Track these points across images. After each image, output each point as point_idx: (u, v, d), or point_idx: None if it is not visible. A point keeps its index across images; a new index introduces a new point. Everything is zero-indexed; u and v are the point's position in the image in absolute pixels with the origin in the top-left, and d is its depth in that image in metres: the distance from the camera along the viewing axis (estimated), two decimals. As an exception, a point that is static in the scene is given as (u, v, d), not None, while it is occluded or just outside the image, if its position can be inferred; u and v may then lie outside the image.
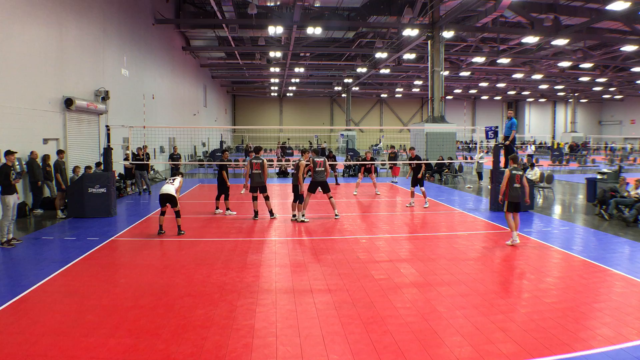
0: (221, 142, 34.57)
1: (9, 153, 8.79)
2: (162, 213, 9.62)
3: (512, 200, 8.66)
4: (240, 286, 6.33)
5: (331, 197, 11.36)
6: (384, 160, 27.56)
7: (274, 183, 19.61)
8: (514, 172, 8.69)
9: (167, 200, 9.41)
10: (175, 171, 10.63)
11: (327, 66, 38.04)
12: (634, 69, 33.50)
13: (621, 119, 59.36)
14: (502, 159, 13.37)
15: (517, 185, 8.64)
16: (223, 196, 11.86)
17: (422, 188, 13.11)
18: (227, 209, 11.95)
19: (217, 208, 12.18)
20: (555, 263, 7.64)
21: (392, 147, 22.97)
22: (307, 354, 4.42)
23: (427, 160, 21.21)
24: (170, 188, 9.44)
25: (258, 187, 11.01)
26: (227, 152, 12.98)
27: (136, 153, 16.46)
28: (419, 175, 12.91)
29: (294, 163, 11.20)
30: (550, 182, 15.27)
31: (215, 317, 5.24)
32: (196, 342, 4.64)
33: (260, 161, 10.88)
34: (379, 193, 15.89)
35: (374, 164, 16.39)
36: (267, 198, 11.23)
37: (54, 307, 5.58)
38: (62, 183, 11.90)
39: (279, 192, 16.79)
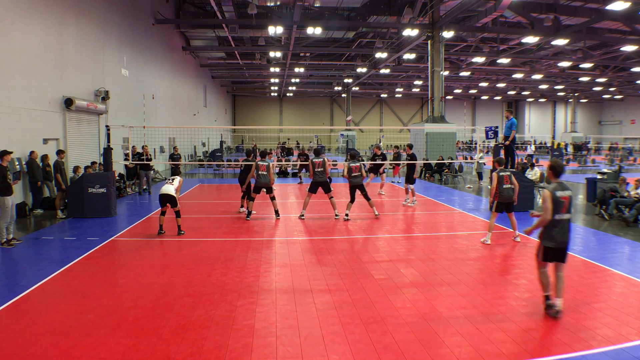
0: (221, 142, 34.53)
1: (4, 153, 8.69)
2: (163, 213, 9.61)
3: (503, 201, 8.69)
4: (240, 286, 6.33)
5: (332, 197, 11.37)
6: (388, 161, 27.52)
7: (275, 183, 19.58)
8: (501, 173, 8.71)
9: (167, 200, 9.37)
10: (174, 170, 10.53)
11: (327, 66, 38.02)
12: (634, 69, 33.48)
13: (621, 119, 59.33)
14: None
15: (506, 185, 8.65)
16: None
17: (412, 186, 13.26)
18: (242, 206, 12.31)
19: (242, 206, 12.45)
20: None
21: (396, 147, 22.97)
22: (307, 354, 4.42)
23: (427, 160, 21.22)
24: (170, 188, 9.37)
25: (264, 187, 11.13)
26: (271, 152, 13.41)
27: (141, 152, 16.45)
28: (415, 175, 13.22)
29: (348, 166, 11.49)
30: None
31: (215, 317, 5.24)
32: (196, 342, 4.64)
33: (267, 163, 11.10)
34: (382, 193, 15.89)
35: (384, 163, 16.38)
36: (273, 198, 11.36)
37: (54, 307, 5.58)
38: (61, 183, 11.90)
39: (279, 192, 16.78)
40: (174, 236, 9.39)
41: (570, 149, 40.42)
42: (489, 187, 13.38)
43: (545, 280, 5.35)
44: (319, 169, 11.20)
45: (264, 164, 11.09)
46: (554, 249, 5.23)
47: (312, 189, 11.25)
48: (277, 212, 11.41)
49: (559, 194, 5.19)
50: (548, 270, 5.37)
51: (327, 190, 11.26)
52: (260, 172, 11.03)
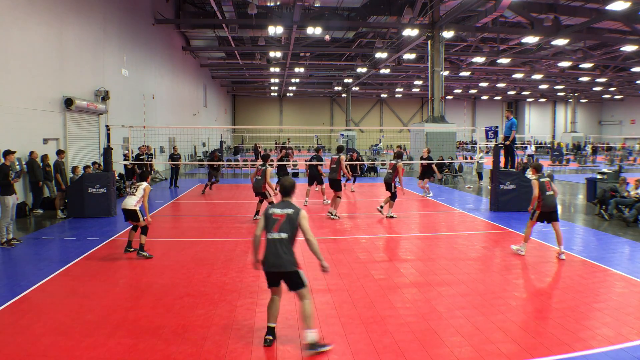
0: (221, 142, 34.57)
1: (8, 153, 8.80)
2: (134, 228, 8.11)
3: (546, 210, 7.79)
4: (240, 286, 6.32)
5: (339, 197, 11.47)
6: (384, 160, 27.55)
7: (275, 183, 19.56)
8: (542, 180, 7.91)
9: (129, 216, 7.82)
10: (141, 175, 8.36)
11: (327, 66, 38.03)
12: (634, 69, 33.48)
13: (621, 119, 59.32)
14: (502, 159, 13.38)
15: (549, 193, 7.86)
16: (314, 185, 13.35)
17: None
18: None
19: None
20: (555, 263, 7.64)
21: (399, 146, 23.07)
22: (307, 353, 4.41)
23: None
24: (130, 201, 7.75)
25: (255, 191, 10.71)
26: (321, 150, 14.28)
27: (140, 152, 16.48)
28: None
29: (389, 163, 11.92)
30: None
31: (215, 317, 5.23)
32: (196, 342, 4.64)
33: (264, 168, 10.60)
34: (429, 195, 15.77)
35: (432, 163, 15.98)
36: (260, 201, 10.97)
37: (54, 307, 5.58)
38: (62, 183, 11.90)
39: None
40: (173, 236, 9.38)
41: (589, 149, 40.17)
42: (489, 187, 13.41)
43: (273, 311, 4.60)
44: (332, 166, 11.44)
45: (261, 168, 10.67)
46: (268, 273, 4.50)
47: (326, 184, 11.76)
48: (257, 212, 11.08)
49: (272, 210, 4.56)
50: (275, 299, 4.63)
51: (336, 189, 11.37)
52: (256, 177, 10.65)
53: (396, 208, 12.54)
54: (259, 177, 10.57)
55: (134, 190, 7.91)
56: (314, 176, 13.28)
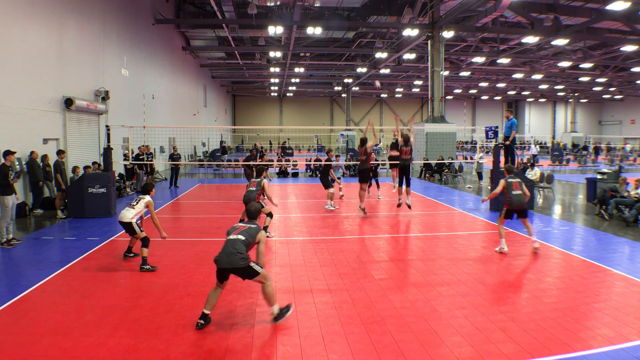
0: (221, 142, 34.57)
1: (8, 153, 8.82)
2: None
3: (512, 208, 8.18)
4: (240, 286, 6.31)
5: (363, 189, 11.70)
6: (384, 161, 27.53)
7: (275, 183, 19.57)
8: (509, 180, 8.26)
9: (125, 228, 7.36)
10: (145, 187, 7.84)
11: (327, 66, 38.02)
12: (634, 69, 33.47)
13: (621, 119, 59.32)
14: (502, 159, 13.39)
15: (516, 192, 8.15)
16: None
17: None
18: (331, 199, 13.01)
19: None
20: (555, 263, 7.64)
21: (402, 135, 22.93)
22: (307, 354, 4.42)
23: (427, 159, 21.22)
24: (127, 214, 7.24)
25: (245, 203, 9.57)
26: (332, 152, 14.34)
27: (140, 152, 16.50)
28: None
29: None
30: (550, 182, 15.27)
31: (215, 317, 5.23)
32: (196, 342, 4.64)
33: (258, 180, 9.76)
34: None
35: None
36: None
37: (54, 307, 5.58)
38: (62, 183, 11.91)
39: (279, 191, 16.78)
40: (174, 236, 9.36)
41: (591, 149, 40.25)
42: (489, 187, 13.42)
43: (212, 299, 5.11)
44: (362, 157, 11.55)
45: (256, 180, 9.76)
46: (220, 270, 5.06)
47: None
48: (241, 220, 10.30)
49: (237, 224, 5.40)
50: (218, 290, 5.16)
51: (364, 180, 11.61)
52: (249, 188, 9.72)
53: (397, 208, 12.57)
54: (252, 189, 9.62)
55: (135, 203, 7.42)
56: (323, 181, 13.16)
